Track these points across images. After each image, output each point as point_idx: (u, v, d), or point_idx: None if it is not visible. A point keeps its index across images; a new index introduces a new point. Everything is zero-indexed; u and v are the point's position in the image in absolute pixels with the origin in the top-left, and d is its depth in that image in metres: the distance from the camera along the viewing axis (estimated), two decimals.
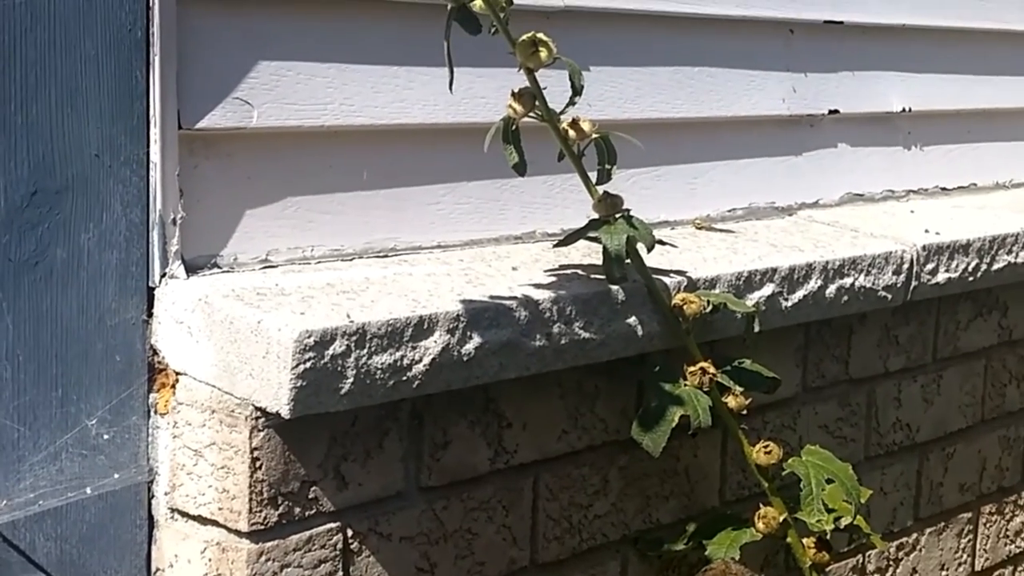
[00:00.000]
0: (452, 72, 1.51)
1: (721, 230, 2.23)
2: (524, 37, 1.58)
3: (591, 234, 1.78)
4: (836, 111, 2.52)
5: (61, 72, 1.45)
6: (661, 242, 1.85)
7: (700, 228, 2.22)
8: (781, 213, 2.42)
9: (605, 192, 1.78)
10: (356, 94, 1.76)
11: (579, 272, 1.84)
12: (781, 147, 2.43)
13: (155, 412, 1.54)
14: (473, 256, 1.88)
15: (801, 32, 2.43)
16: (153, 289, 1.54)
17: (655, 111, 2.18)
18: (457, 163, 1.90)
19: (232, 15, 1.61)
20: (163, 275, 1.54)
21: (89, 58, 1.47)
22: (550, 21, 1.99)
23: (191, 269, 1.58)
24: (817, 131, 2.51)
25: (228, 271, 1.62)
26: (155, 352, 1.55)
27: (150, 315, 1.54)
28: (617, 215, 1.77)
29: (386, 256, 1.81)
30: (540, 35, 1.58)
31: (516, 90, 1.65)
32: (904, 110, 2.66)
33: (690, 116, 2.24)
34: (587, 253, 1.91)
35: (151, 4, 1.51)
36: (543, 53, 1.58)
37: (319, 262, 1.73)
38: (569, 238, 1.81)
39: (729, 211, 2.33)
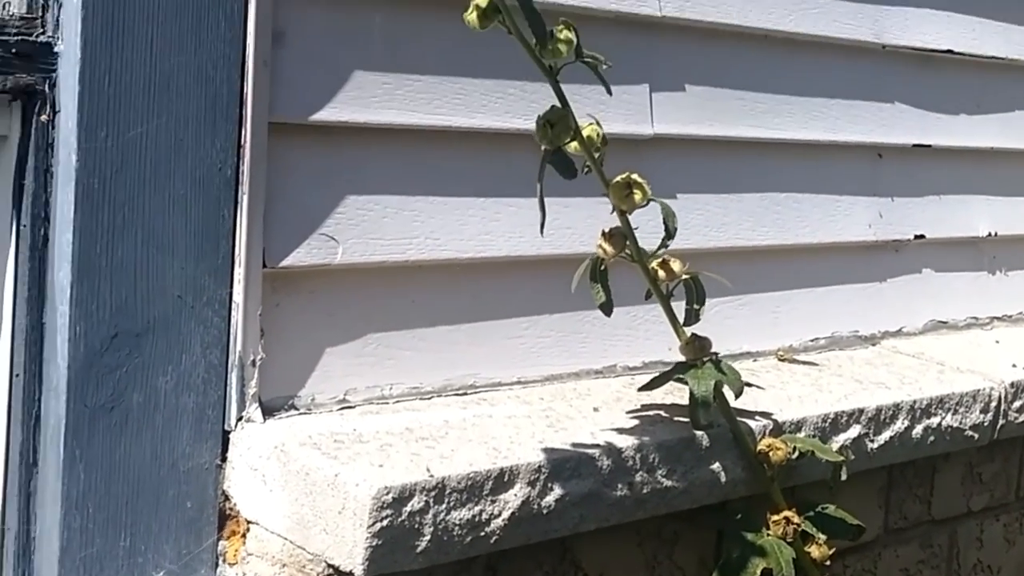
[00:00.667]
0: (544, 214, 1.46)
1: (804, 362, 2.16)
2: (618, 179, 1.53)
3: (678, 377, 1.72)
4: (922, 236, 2.45)
5: (149, 212, 1.41)
6: (748, 384, 1.79)
7: (783, 360, 2.15)
8: (864, 342, 2.34)
9: (693, 334, 1.72)
10: (442, 227, 1.71)
11: (662, 414, 1.78)
12: (865, 273, 2.37)
13: (223, 561, 1.49)
14: (554, 393, 1.82)
15: (889, 156, 2.37)
16: (228, 433, 1.50)
17: (741, 239, 2.12)
18: (540, 295, 1.85)
19: (322, 150, 1.58)
20: (239, 418, 1.49)
21: (178, 198, 1.42)
22: (638, 149, 1.95)
23: (268, 411, 1.53)
24: (902, 256, 2.44)
25: (305, 413, 1.57)
26: (227, 498, 1.50)
27: (224, 460, 1.50)
28: (705, 358, 1.71)
29: (465, 394, 1.76)
30: (635, 176, 1.53)
31: (607, 231, 1.60)
32: (990, 234, 2.60)
33: (776, 243, 2.18)
34: (670, 390, 1.84)
35: (243, 141, 1.47)
36: (637, 195, 1.53)
37: (397, 401, 1.68)
38: (655, 382, 1.75)
39: (812, 341, 2.26)
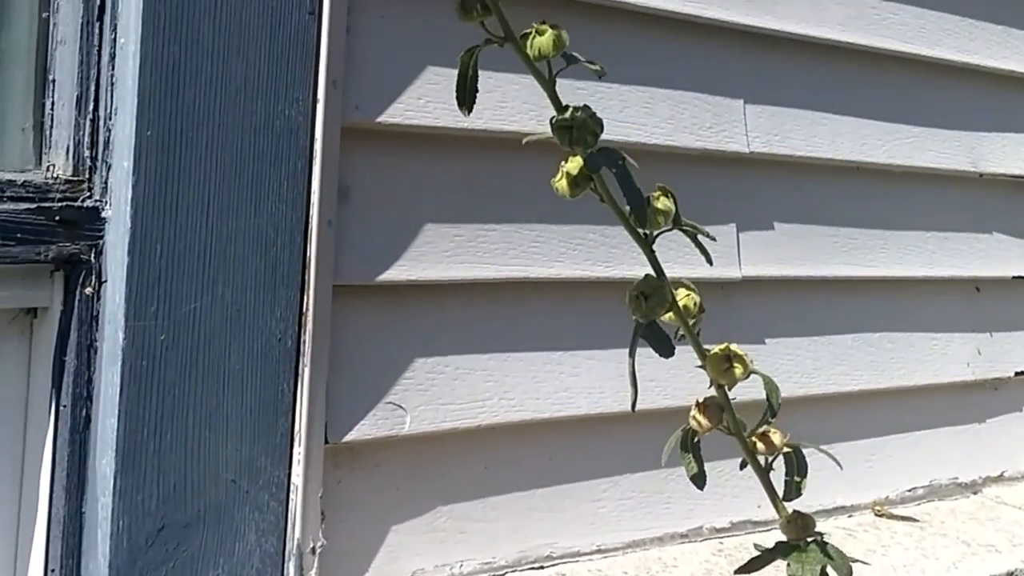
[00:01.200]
0: (636, 391, 1.31)
1: (904, 518, 2.00)
2: (717, 350, 1.38)
3: (779, 559, 1.55)
4: (1022, 372, 2.28)
5: (202, 392, 1.28)
6: (854, 560, 1.62)
7: (880, 515, 1.99)
8: (965, 490, 2.18)
9: (795, 512, 1.55)
10: (516, 386, 1.57)
11: None
12: (963, 415, 2.21)
13: None
14: (637, 565, 1.67)
15: (988, 289, 2.22)
16: None
17: (834, 384, 1.97)
18: (621, 454, 1.71)
19: (389, 311, 1.45)
20: None
21: (233, 374, 1.30)
22: (725, 292, 1.81)
23: None
24: (1001, 395, 2.28)
25: None
26: None
27: None
28: (808, 539, 1.55)
29: (542, 567, 1.61)
30: (734, 348, 1.38)
31: (701, 401, 1.44)
32: None
33: (870, 388, 2.03)
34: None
35: (305, 308, 1.34)
36: (738, 370, 1.38)
37: None
38: (754, 564, 1.58)
39: (909, 491, 2.09)
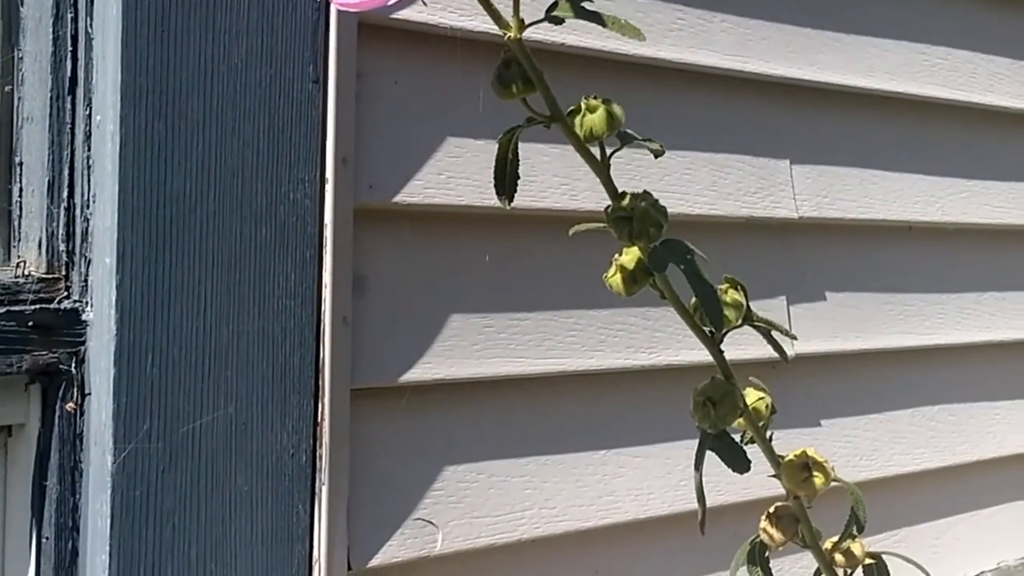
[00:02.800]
0: (704, 509, 1.14)
1: None
2: (792, 457, 1.21)
3: None
4: None
5: (205, 519, 1.11)
6: None
7: None
8: None
9: None
10: (558, 492, 1.40)
11: None
12: None
13: None
14: None
15: None
16: None
17: (893, 465, 1.80)
18: (674, 561, 1.53)
19: (414, 415, 1.29)
20: None
21: (241, 496, 1.13)
22: (776, 372, 1.64)
23: None
24: None
25: None
26: None
27: None
28: None
29: None
30: (812, 454, 1.21)
31: (773, 512, 1.27)
32: None
33: (932, 466, 1.86)
34: None
35: (320, 418, 1.17)
36: (818, 480, 1.20)
37: None
38: None
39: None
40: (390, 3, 0.72)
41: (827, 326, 1.71)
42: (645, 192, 1.02)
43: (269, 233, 1.14)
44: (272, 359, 1.14)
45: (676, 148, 1.51)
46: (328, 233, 1.19)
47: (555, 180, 1.38)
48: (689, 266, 1.02)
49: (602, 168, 0.98)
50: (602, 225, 1.05)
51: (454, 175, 1.30)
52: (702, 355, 1.27)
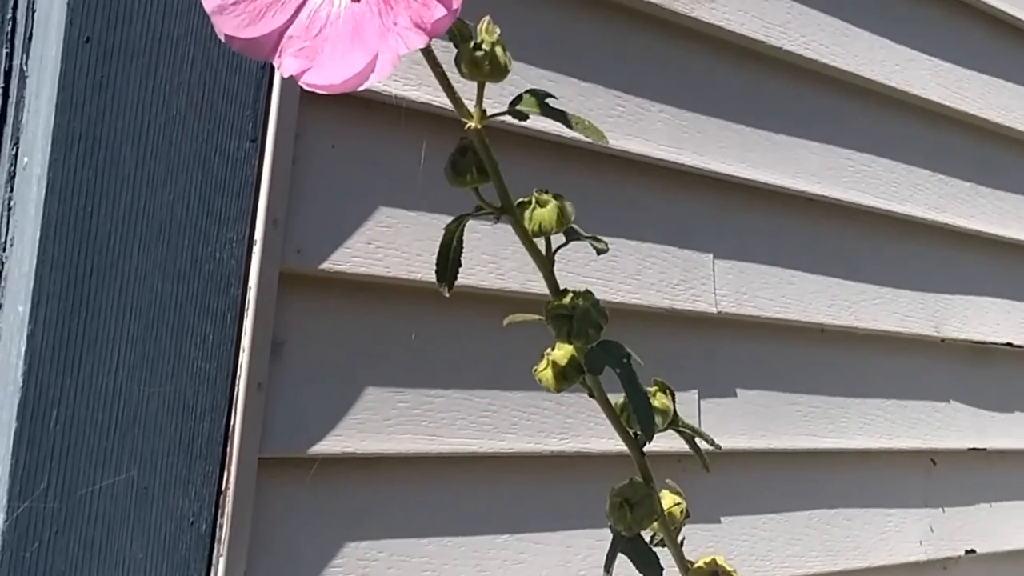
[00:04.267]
0: None
1: None
2: (701, 563, 1.19)
3: None
4: (972, 551, 2.14)
5: None
6: None
7: None
8: None
9: None
10: (458, 575, 1.36)
11: None
12: None
13: None
14: None
15: (944, 462, 2.08)
16: None
17: (788, 567, 1.79)
18: None
19: (321, 487, 1.24)
20: None
21: (135, 564, 1.09)
22: (682, 465, 1.62)
23: None
24: (950, 575, 2.12)
25: None
26: None
27: None
28: None
29: None
30: (720, 561, 1.19)
31: None
32: None
33: (824, 570, 1.85)
34: None
35: (225, 486, 1.13)
36: None
37: None
38: None
39: None
40: (363, 86, 0.70)
41: (735, 423, 1.70)
42: (587, 291, 1.00)
43: (191, 292, 1.10)
44: (182, 423, 1.10)
45: (604, 234, 1.49)
46: (251, 296, 1.15)
47: (483, 257, 1.36)
48: (625, 371, 1.00)
49: (546, 263, 0.96)
50: (537, 318, 1.02)
51: (383, 245, 1.27)
52: (611, 444, 1.26)
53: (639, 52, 1.54)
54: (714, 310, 1.64)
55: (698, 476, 1.63)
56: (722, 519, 1.70)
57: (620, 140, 1.50)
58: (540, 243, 0.97)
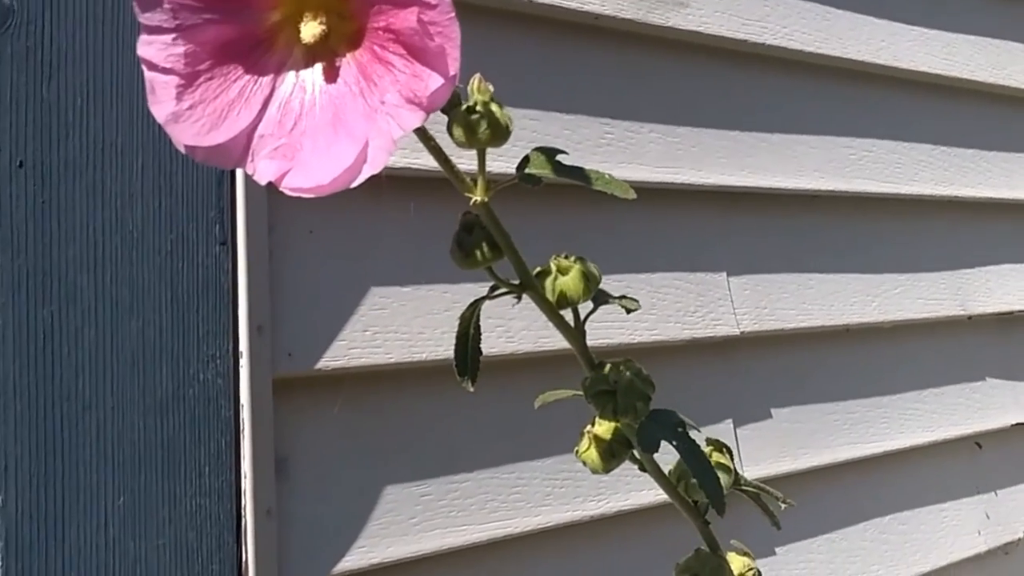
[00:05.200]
0: None
1: None
2: None
3: None
4: None
5: None
6: None
7: None
8: None
9: None
10: None
11: None
12: None
13: None
14: None
15: (989, 444, 1.97)
16: None
17: None
18: None
19: None
20: None
21: None
22: (728, 502, 1.50)
23: None
24: (1013, 561, 2.00)
25: None
26: None
27: None
28: None
29: None
30: None
31: None
32: None
33: None
34: None
35: None
36: None
37: None
38: None
39: None
40: (356, 181, 0.58)
41: (774, 445, 1.59)
42: (627, 359, 0.88)
43: (178, 423, 0.97)
44: (188, 570, 0.97)
45: (613, 272, 1.38)
46: (245, 415, 1.02)
47: (489, 322, 1.24)
48: (682, 442, 0.88)
49: (577, 336, 0.85)
50: (572, 393, 0.91)
51: (381, 330, 1.15)
52: (652, 496, 1.14)
53: (621, 73, 1.42)
54: (737, 331, 1.52)
55: (747, 510, 1.51)
56: (777, 550, 1.59)
57: (613, 169, 1.38)
58: (566, 313, 0.85)
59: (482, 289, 1.23)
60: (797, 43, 1.64)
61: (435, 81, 0.55)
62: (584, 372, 0.86)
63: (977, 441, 1.97)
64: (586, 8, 1.39)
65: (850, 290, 1.71)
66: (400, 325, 1.16)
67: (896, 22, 1.83)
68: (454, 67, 0.55)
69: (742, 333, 1.53)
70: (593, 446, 0.92)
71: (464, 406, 1.23)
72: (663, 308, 1.43)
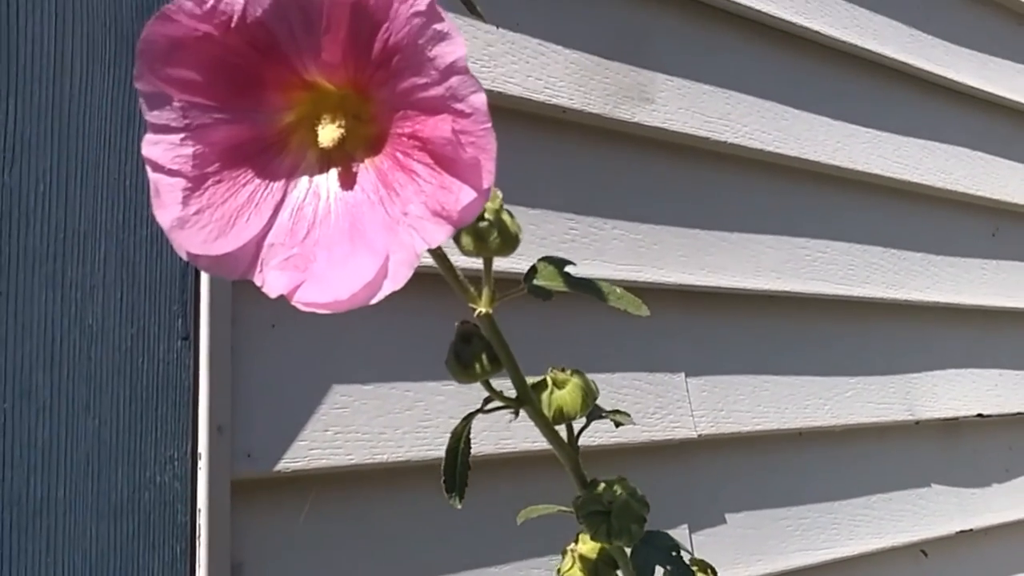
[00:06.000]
0: None
1: None
2: None
3: None
4: None
5: None
6: None
7: None
8: None
9: None
10: None
11: None
12: None
13: None
14: None
15: (934, 552, 1.94)
16: None
17: None
18: None
19: None
20: None
21: None
22: None
23: None
24: None
25: None
26: None
27: None
28: None
29: None
30: None
31: None
32: None
33: None
34: None
35: None
36: None
37: None
38: None
39: None
40: (376, 298, 0.53)
41: (729, 551, 1.55)
42: (620, 478, 0.84)
43: (132, 529, 0.92)
44: None
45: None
46: (202, 520, 0.97)
47: (451, 422, 1.19)
48: (676, 566, 0.85)
49: (571, 453, 0.81)
50: (559, 509, 0.87)
51: (342, 430, 1.10)
52: None
53: (587, 168, 1.39)
54: (694, 434, 1.49)
55: None
56: None
57: (577, 266, 1.35)
58: (561, 428, 0.82)
59: (447, 388, 1.20)
60: (757, 142, 1.63)
61: (467, 195, 0.51)
62: (575, 489, 0.82)
63: (923, 549, 1.94)
64: (554, 101, 1.36)
65: (803, 393, 1.69)
66: (361, 425, 1.11)
67: (851, 123, 1.83)
68: (488, 180, 0.51)
69: (699, 436, 1.50)
70: (577, 565, 0.89)
71: (428, 510, 1.19)
72: (623, 409, 1.40)
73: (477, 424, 1.19)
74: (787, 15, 1.73)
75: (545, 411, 0.77)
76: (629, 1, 1.49)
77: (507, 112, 1.32)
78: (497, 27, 1.30)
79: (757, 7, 1.67)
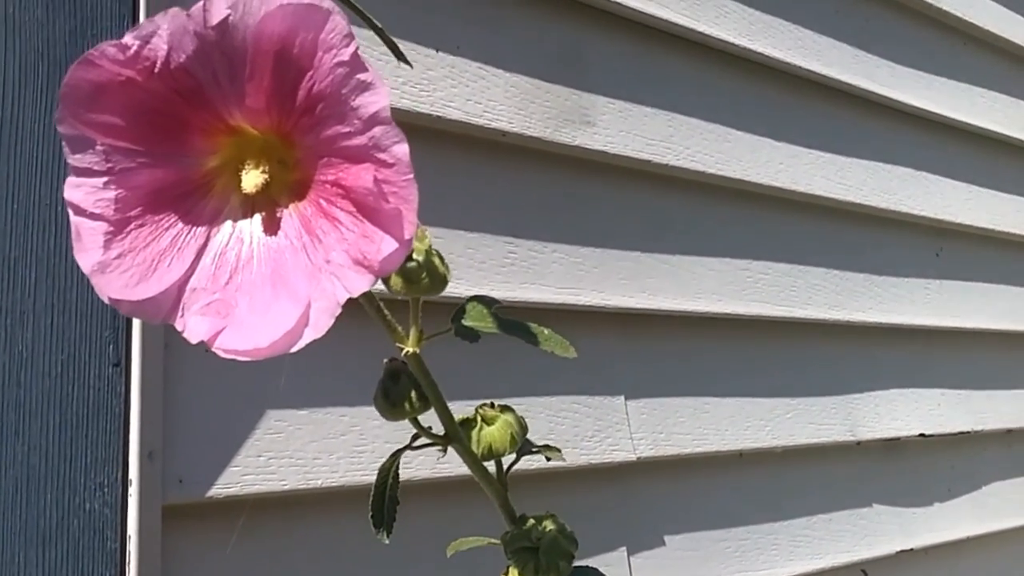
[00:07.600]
0: None
1: None
2: None
3: None
4: None
5: None
6: None
7: None
8: None
9: None
10: None
11: None
12: None
13: None
14: None
15: (874, 572, 1.95)
16: None
17: None
18: None
19: None
20: None
21: None
22: None
23: None
24: None
25: None
26: None
27: None
28: None
29: None
30: None
31: None
32: None
33: None
34: None
35: None
36: None
37: None
38: None
39: None
40: (296, 346, 0.53)
41: (668, 573, 1.55)
42: (550, 514, 0.84)
43: (60, 556, 0.91)
44: None
45: (511, 395, 1.34)
46: (132, 547, 0.96)
47: (386, 447, 1.19)
48: None
49: (500, 489, 0.81)
50: (489, 541, 0.87)
51: (276, 455, 1.09)
52: None
53: (526, 192, 1.40)
54: (633, 457, 1.49)
55: None
56: None
57: (516, 290, 1.35)
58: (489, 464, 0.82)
59: (369, 412, 1.19)
60: (699, 164, 1.64)
61: (388, 245, 0.51)
62: (504, 525, 0.82)
63: (863, 569, 1.96)
64: (494, 125, 1.36)
65: (744, 414, 1.70)
66: (295, 451, 1.11)
67: (794, 145, 1.84)
68: (410, 231, 0.51)
69: (639, 459, 1.50)
70: None
71: (363, 535, 1.18)
72: (561, 433, 1.40)
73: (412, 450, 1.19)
74: (730, 37, 1.74)
75: (474, 448, 0.77)
76: (570, 24, 1.50)
77: (447, 136, 1.32)
78: (437, 50, 1.30)
79: (700, 29, 1.68)
